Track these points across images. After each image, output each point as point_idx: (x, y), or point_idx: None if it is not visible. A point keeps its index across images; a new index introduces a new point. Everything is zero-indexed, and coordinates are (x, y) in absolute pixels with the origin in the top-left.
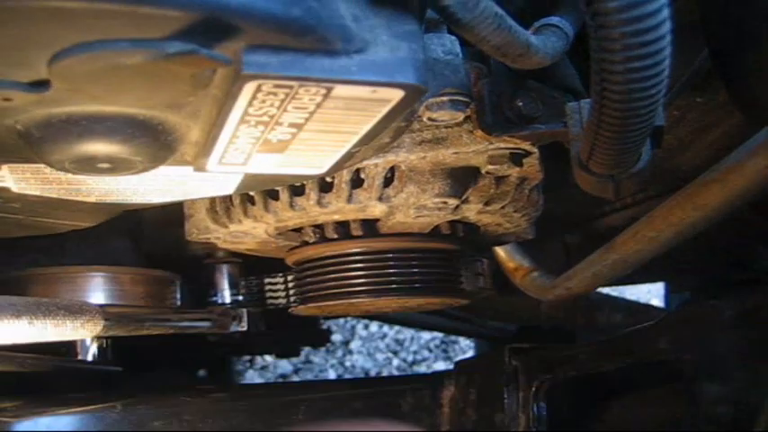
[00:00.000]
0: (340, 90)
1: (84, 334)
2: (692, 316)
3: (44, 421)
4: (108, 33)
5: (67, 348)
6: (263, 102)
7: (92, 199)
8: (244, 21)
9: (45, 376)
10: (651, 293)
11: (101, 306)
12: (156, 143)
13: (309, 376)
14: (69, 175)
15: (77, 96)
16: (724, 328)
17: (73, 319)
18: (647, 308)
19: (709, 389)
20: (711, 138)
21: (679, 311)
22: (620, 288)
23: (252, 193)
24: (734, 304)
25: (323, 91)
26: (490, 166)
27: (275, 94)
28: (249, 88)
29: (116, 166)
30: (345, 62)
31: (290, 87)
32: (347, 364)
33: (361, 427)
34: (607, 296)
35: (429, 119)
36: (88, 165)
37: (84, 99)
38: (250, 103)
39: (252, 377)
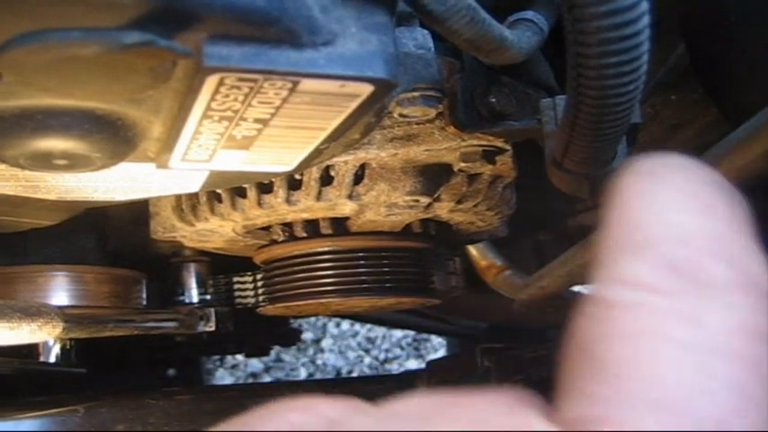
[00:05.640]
0: (307, 84)
1: (42, 337)
2: None
3: (2, 426)
4: (59, 21)
5: (29, 350)
6: (227, 96)
7: (52, 196)
8: (205, 9)
9: (4, 379)
10: None
11: (62, 307)
12: (115, 139)
13: (280, 375)
14: (27, 172)
15: (30, 89)
16: None
17: (30, 322)
18: None
19: None
20: (684, 136)
21: None
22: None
23: (219, 191)
24: None
25: (289, 85)
26: (462, 164)
27: (239, 87)
28: (211, 82)
29: (74, 163)
30: (312, 55)
31: (255, 81)
32: (318, 362)
33: None
34: (580, 294)
35: (400, 115)
36: (44, 161)
37: (37, 92)
38: (213, 98)
39: (222, 376)
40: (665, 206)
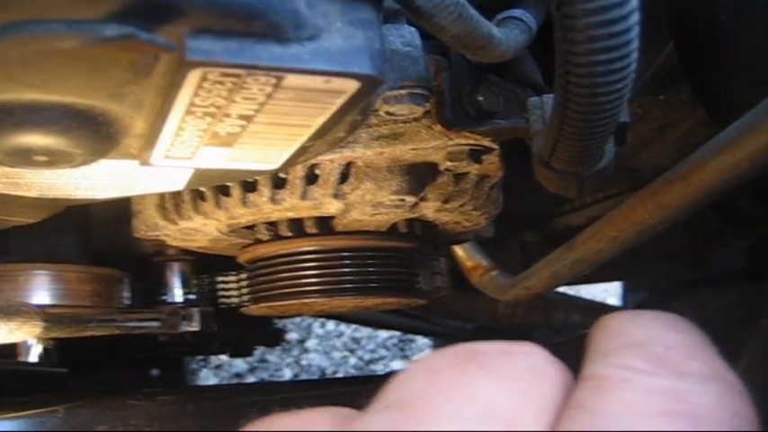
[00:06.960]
0: (291, 80)
1: (20, 337)
2: None
3: None
4: (39, 13)
5: (9, 349)
6: (210, 91)
7: (33, 194)
8: (187, 2)
9: None
10: (608, 292)
11: (43, 306)
12: (96, 135)
13: (265, 375)
14: (6, 169)
15: (9, 83)
16: None
17: (7, 321)
18: (605, 307)
19: None
20: (672, 136)
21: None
22: (577, 287)
23: (203, 189)
24: (695, 306)
25: (273, 80)
26: (449, 163)
27: (222, 83)
28: (194, 77)
29: (54, 159)
30: (297, 50)
31: (238, 76)
32: (303, 362)
33: None
34: (565, 295)
35: (386, 113)
36: (24, 157)
37: (17, 86)
38: (195, 93)
39: (206, 376)
40: (644, 325)
